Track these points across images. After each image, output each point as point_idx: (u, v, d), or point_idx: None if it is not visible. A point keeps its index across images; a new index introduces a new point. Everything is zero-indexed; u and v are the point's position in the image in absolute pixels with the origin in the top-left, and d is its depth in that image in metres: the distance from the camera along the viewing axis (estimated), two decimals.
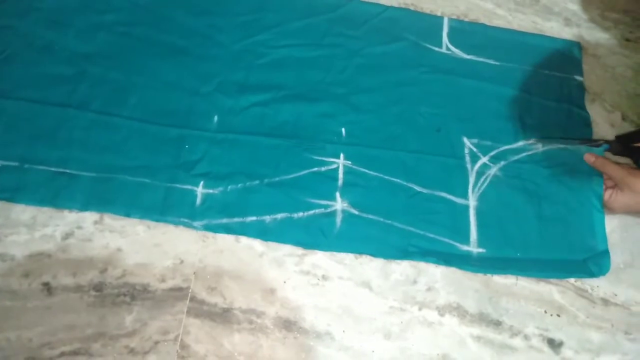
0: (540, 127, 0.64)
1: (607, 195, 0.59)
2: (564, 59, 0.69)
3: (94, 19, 0.63)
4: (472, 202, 0.59)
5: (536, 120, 0.64)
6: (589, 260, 0.58)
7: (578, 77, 0.68)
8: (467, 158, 0.62)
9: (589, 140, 0.61)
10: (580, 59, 0.70)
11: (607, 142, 0.60)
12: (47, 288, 0.51)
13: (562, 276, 0.57)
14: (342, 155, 0.60)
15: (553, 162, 0.62)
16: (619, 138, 0.60)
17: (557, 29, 0.72)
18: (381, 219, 0.57)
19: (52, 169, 0.55)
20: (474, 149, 0.62)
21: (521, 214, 0.59)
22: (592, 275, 0.57)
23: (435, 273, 0.56)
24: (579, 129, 0.65)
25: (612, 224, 0.60)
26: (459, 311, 0.55)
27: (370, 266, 0.56)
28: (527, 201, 0.60)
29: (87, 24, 0.63)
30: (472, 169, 0.61)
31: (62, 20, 0.63)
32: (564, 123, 0.65)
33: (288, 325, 0.52)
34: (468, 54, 0.68)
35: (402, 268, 0.56)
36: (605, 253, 0.58)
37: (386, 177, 0.59)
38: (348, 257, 0.56)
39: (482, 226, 0.58)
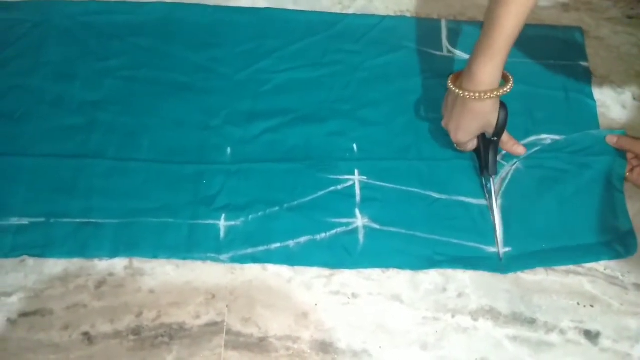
0: (550, 119, 0.64)
1: (636, 174, 0.58)
2: (567, 46, 0.69)
3: (98, 66, 0.65)
4: (491, 203, 0.59)
5: (546, 113, 0.64)
6: (615, 242, 0.57)
7: (583, 63, 0.68)
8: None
9: (486, 193, 0.60)
10: (583, 44, 0.69)
11: (487, 179, 0.59)
12: (88, 338, 0.52)
13: (589, 260, 0.57)
14: (356, 172, 0.60)
15: (571, 148, 0.61)
16: (487, 170, 0.58)
17: (556, 16, 0.72)
18: (403, 231, 0.57)
19: (77, 220, 0.56)
20: None
21: (541, 205, 0.59)
22: (619, 256, 0.57)
23: (464, 278, 0.56)
24: (587, 119, 0.64)
25: (637, 207, 0.60)
26: (492, 314, 0.55)
27: (398, 279, 0.56)
28: (546, 190, 0.60)
29: (91, 72, 0.65)
30: None
31: (67, 72, 0.64)
32: (574, 113, 0.64)
33: (324, 347, 0.53)
34: (469, 55, 0.67)
35: (431, 277, 0.56)
36: (631, 233, 0.58)
37: (403, 187, 0.60)
38: (375, 273, 0.56)
39: (505, 225, 0.58)
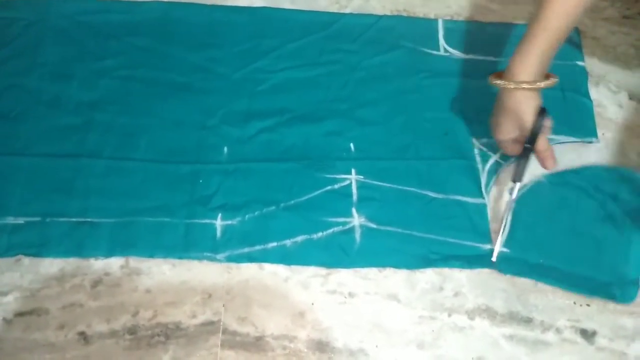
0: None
1: None
2: (564, 45, 0.68)
3: (95, 66, 0.65)
4: (487, 202, 0.59)
5: None
6: (615, 285, 0.55)
7: (580, 63, 0.68)
8: (478, 158, 0.62)
9: (509, 201, 0.58)
10: (579, 44, 0.69)
11: (511, 189, 0.57)
12: (84, 337, 0.52)
13: (581, 292, 0.55)
14: (353, 171, 0.60)
15: (602, 180, 0.60)
16: (515, 178, 0.56)
17: None
18: (400, 230, 0.57)
19: (73, 219, 0.56)
20: (484, 149, 0.62)
21: (553, 222, 0.58)
22: (614, 299, 0.54)
23: (460, 278, 0.56)
24: (583, 119, 0.64)
25: None
26: (488, 313, 0.55)
27: (395, 278, 0.56)
28: (562, 209, 0.58)
29: (88, 72, 0.64)
30: (483, 168, 0.61)
31: (64, 72, 0.64)
32: (570, 112, 0.64)
33: (321, 346, 0.53)
34: (466, 54, 0.68)
35: (427, 276, 0.56)
36: (635, 282, 0.55)
37: (400, 187, 0.60)
38: (372, 272, 0.56)
39: (510, 229, 0.58)
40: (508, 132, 0.56)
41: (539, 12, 0.51)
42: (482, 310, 0.55)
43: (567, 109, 0.65)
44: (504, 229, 0.57)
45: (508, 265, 0.56)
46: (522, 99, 0.53)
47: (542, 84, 0.53)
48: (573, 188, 0.60)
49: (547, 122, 0.54)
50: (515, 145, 0.56)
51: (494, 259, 0.56)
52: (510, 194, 0.57)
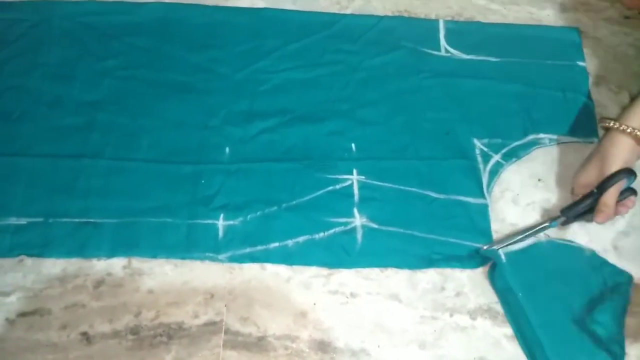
0: (548, 119, 0.64)
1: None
2: (564, 46, 0.69)
3: (97, 67, 0.65)
4: (489, 202, 0.59)
5: (543, 112, 0.64)
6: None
7: (580, 63, 0.68)
8: (479, 158, 0.62)
9: (541, 224, 0.57)
10: (580, 44, 0.70)
11: (554, 219, 0.56)
12: (86, 337, 0.52)
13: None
14: (355, 171, 0.60)
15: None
16: (563, 211, 0.56)
17: (554, 17, 0.72)
18: (401, 230, 0.57)
19: (76, 220, 0.56)
20: (485, 149, 0.62)
21: (560, 282, 0.55)
22: None
23: (461, 277, 0.56)
24: (584, 119, 0.64)
25: None
26: (490, 313, 0.55)
27: (396, 278, 0.56)
28: (572, 278, 0.56)
29: (90, 73, 0.64)
30: (484, 168, 0.61)
31: (66, 73, 0.64)
32: (571, 113, 0.64)
33: (323, 346, 0.53)
34: (467, 54, 0.68)
35: (429, 276, 0.56)
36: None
37: (401, 187, 0.60)
38: (374, 272, 0.56)
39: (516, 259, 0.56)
40: (587, 169, 0.55)
41: None
42: (484, 310, 0.55)
43: (568, 109, 0.65)
44: (513, 241, 0.56)
45: (505, 272, 0.54)
46: (617, 142, 0.53)
47: None
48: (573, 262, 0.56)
49: (631, 198, 0.54)
50: (586, 188, 0.55)
51: (484, 247, 0.55)
52: (549, 222, 0.56)
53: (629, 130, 0.52)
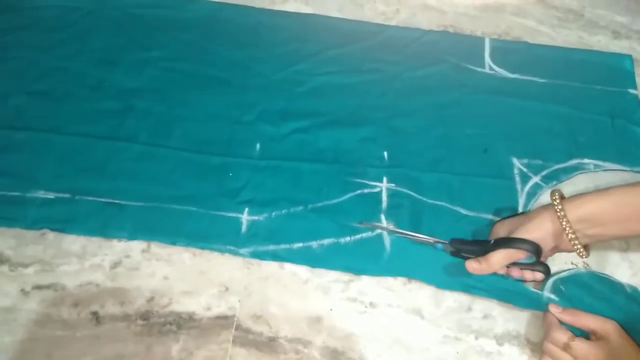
0: (594, 144, 0.61)
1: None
2: (615, 72, 0.66)
3: (141, 56, 0.66)
4: None
5: (589, 137, 0.61)
6: None
7: (632, 91, 0.65)
8: (517, 179, 0.59)
9: (431, 238, 0.54)
10: (632, 72, 0.67)
11: (441, 243, 0.54)
12: (96, 317, 0.51)
13: None
14: (385, 179, 0.59)
15: None
16: (453, 242, 0.53)
17: (605, 43, 0.70)
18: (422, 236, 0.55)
19: (102, 199, 0.56)
20: (524, 169, 0.60)
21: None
22: None
23: (491, 299, 0.53)
24: (633, 147, 0.61)
25: None
26: (518, 340, 0.51)
27: (420, 293, 0.53)
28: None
29: (134, 61, 0.66)
30: (522, 189, 0.59)
31: (110, 59, 0.66)
32: (619, 140, 0.61)
33: (336, 355, 0.50)
34: (512, 73, 0.66)
35: (455, 295, 0.53)
36: None
37: (430, 200, 0.57)
38: (396, 284, 0.54)
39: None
40: (503, 224, 0.52)
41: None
42: (512, 337, 0.51)
43: (616, 136, 0.62)
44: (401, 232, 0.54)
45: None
46: (545, 218, 0.48)
47: (569, 234, 0.47)
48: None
49: (537, 274, 0.50)
50: (494, 235, 0.52)
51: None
52: (434, 243, 0.54)
53: (560, 215, 0.47)
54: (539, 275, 0.51)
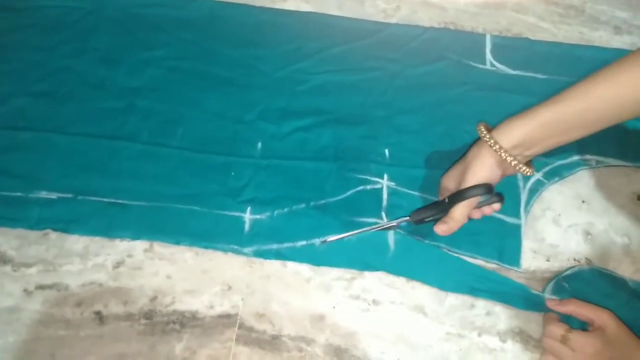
0: (597, 141, 0.60)
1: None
2: None
3: (144, 55, 0.66)
4: (523, 222, 0.56)
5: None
6: None
7: None
8: (519, 175, 0.59)
9: (389, 223, 0.54)
10: None
11: (402, 220, 0.54)
12: (99, 317, 0.51)
13: None
14: (385, 176, 0.58)
15: None
16: (412, 215, 0.53)
17: (606, 38, 0.69)
18: (427, 241, 0.55)
19: (105, 199, 0.56)
20: None
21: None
22: None
23: None
24: (636, 142, 0.61)
25: None
26: (522, 336, 0.51)
27: (423, 290, 0.53)
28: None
29: (136, 60, 0.66)
30: (524, 186, 0.58)
31: (112, 58, 0.66)
32: (621, 135, 0.61)
33: (339, 353, 0.50)
34: (514, 70, 0.66)
35: None
36: None
37: (431, 197, 0.57)
38: (399, 281, 0.54)
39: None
40: (450, 177, 0.52)
41: (568, 90, 0.47)
42: (515, 333, 0.51)
43: (617, 131, 0.61)
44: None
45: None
46: (481, 155, 0.48)
47: (506, 155, 0.47)
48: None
49: (494, 205, 0.51)
50: (447, 192, 0.52)
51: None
52: (397, 224, 0.54)
53: (495, 148, 0.47)
54: (497, 206, 0.51)
